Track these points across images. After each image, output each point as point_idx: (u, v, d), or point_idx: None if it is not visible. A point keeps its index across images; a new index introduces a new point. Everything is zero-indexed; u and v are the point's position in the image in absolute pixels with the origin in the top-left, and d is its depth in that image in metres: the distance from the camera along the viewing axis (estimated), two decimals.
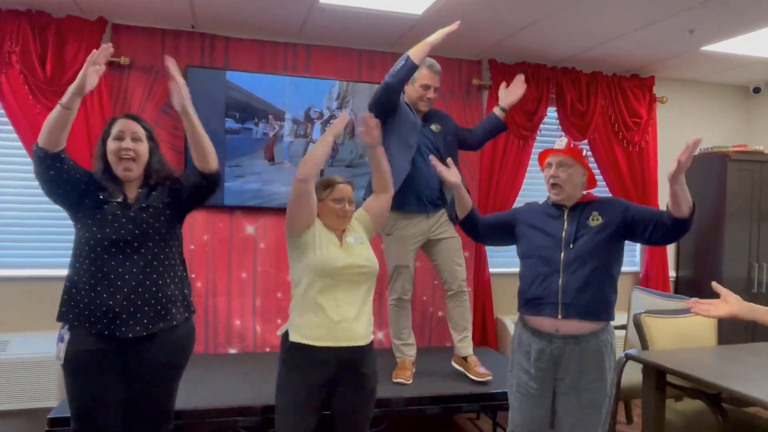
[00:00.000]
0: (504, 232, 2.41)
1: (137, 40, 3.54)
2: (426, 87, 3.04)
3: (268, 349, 3.74)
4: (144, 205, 2.05)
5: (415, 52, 2.86)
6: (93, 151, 2.14)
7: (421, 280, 3.90)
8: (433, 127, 3.13)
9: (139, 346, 2.01)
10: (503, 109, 3.24)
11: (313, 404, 2.18)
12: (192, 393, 2.85)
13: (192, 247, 3.65)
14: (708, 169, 4.39)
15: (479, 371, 3.05)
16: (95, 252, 1.97)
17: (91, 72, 1.90)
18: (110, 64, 3.47)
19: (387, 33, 3.67)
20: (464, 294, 3.17)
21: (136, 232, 2.00)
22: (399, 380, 3.03)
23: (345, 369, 2.19)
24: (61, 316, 2.01)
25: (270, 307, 3.76)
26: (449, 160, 2.41)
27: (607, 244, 2.18)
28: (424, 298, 4.06)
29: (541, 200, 2.40)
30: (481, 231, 2.45)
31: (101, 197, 2.01)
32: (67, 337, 1.98)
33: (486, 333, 4.10)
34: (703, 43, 3.73)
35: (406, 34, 3.67)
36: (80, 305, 1.97)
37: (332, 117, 3.80)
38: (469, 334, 3.18)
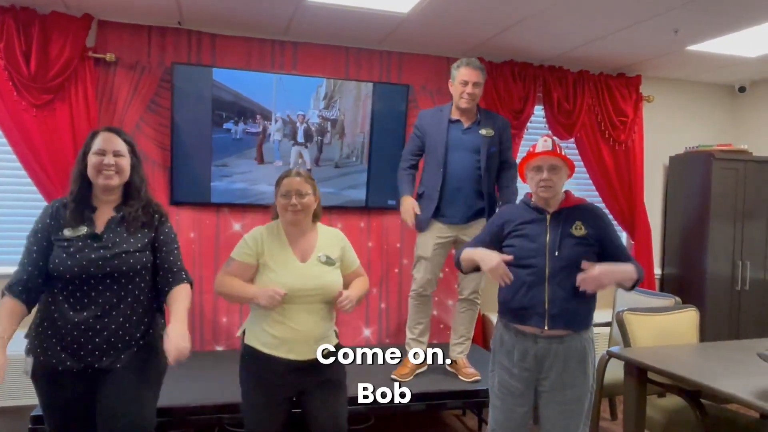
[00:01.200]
0: (494, 244, 2.30)
1: (123, 36, 3.53)
2: (464, 83, 3.06)
3: None
4: (116, 240, 1.94)
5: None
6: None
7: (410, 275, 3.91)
8: (483, 131, 3.11)
9: (105, 375, 1.94)
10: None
11: (277, 403, 2.16)
12: (178, 390, 2.85)
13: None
14: (693, 167, 4.43)
15: (468, 372, 3.07)
16: (62, 285, 1.90)
17: None
18: (96, 61, 3.46)
19: (373, 31, 3.68)
20: (473, 304, 3.21)
21: (106, 267, 1.90)
22: (395, 377, 3.07)
23: (303, 377, 2.14)
24: (27, 351, 1.94)
25: None
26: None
27: (589, 255, 2.18)
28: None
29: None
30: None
31: (64, 234, 1.92)
32: (31, 355, 1.93)
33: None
34: (688, 42, 3.76)
35: (392, 32, 3.68)
36: (46, 341, 1.91)
37: (322, 119, 3.79)
38: (467, 341, 3.21)
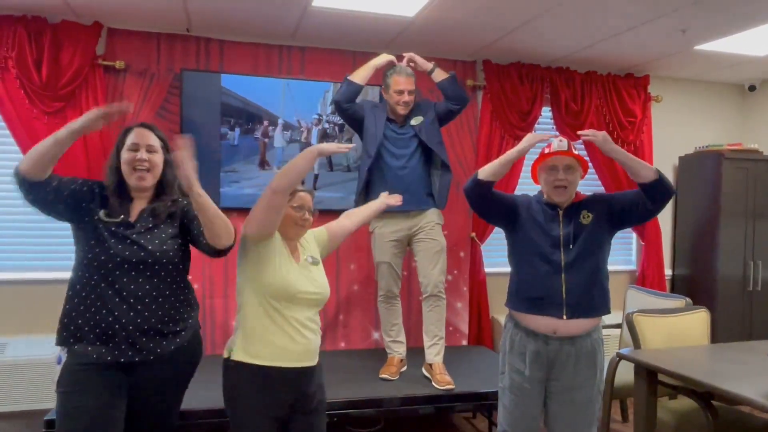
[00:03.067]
0: (508, 209, 2.30)
1: (133, 44, 3.57)
2: (399, 92, 3.08)
3: None
4: (148, 227, 1.96)
5: (356, 74, 3.12)
6: (105, 161, 2.05)
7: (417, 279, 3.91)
8: (413, 121, 3.15)
9: (141, 366, 1.95)
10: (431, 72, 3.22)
11: (268, 420, 2.03)
12: (189, 393, 2.85)
13: None
14: (703, 167, 4.40)
15: (442, 379, 3.02)
16: (98, 273, 1.90)
17: (97, 119, 1.82)
18: (106, 68, 3.50)
19: (380, 35, 3.69)
20: (439, 299, 3.16)
21: (141, 254, 1.91)
22: (384, 376, 3.11)
23: (293, 389, 2.04)
24: (61, 341, 1.93)
25: None
26: None
27: (600, 239, 2.23)
28: (421, 298, 4.06)
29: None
30: (491, 197, 2.29)
31: (101, 215, 1.93)
32: (64, 358, 1.91)
33: (481, 332, 4.12)
34: (696, 42, 3.74)
35: (399, 35, 3.69)
36: (80, 329, 1.90)
37: (328, 123, 3.82)
38: (440, 341, 3.17)
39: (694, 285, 4.45)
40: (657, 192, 2.14)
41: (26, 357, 3.24)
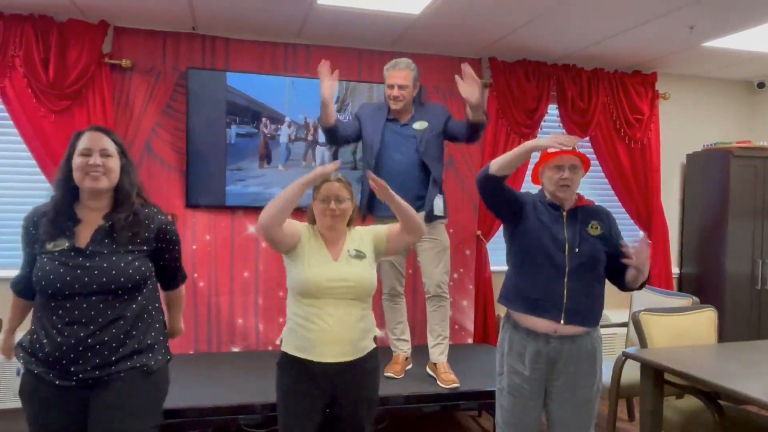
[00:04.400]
0: (516, 205, 2.26)
1: (139, 42, 3.58)
2: (390, 86, 3.06)
3: (270, 348, 3.77)
4: (103, 252, 1.75)
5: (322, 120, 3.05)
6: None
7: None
8: (416, 125, 3.11)
9: (98, 388, 1.76)
10: (471, 108, 3.00)
11: (312, 410, 2.13)
12: (195, 391, 2.89)
13: (194, 247, 3.69)
14: (711, 165, 4.37)
15: (447, 378, 3.02)
16: (49, 302, 1.73)
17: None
18: (112, 67, 3.51)
19: (386, 32, 3.69)
20: (442, 299, 3.14)
21: (93, 285, 1.71)
22: (389, 374, 3.10)
23: (337, 381, 2.11)
24: (24, 362, 1.80)
25: (272, 306, 3.79)
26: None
27: (603, 253, 2.22)
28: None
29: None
30: (503, 190, 2.23)
31: (46, 247, 1.75)
32: (22, 371, 1.80)
33: (487, 331, 4.11)
34: (704, 39, 3.71)
35: (404, 33, 3.68)
36: (40, 350, 1.74)
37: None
38: (444, 341, 3.16)
39: (702, 283, 4.42)
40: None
41: None
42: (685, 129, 4.63)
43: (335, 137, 3.08)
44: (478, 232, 4.12)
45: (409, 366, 3.26)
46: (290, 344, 2.13)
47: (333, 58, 3.87)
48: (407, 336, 3.29)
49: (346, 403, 2.16)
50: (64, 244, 1.75)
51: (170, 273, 2.00)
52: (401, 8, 3.25)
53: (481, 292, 4.13)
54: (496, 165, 2.14)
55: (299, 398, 2.12)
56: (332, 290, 2.08)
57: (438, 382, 3.04)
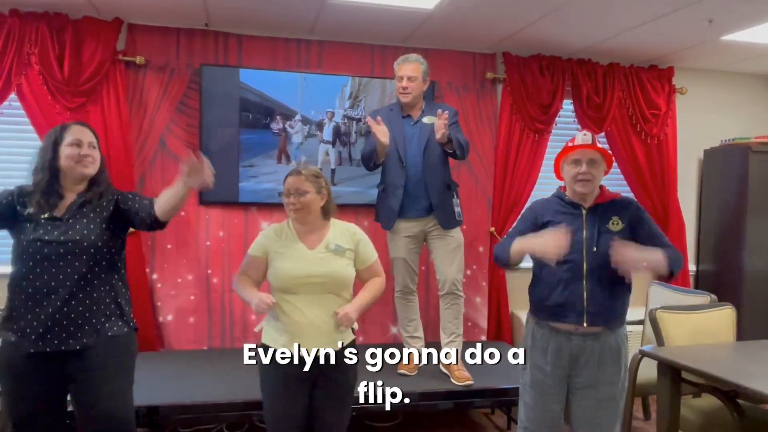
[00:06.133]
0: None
1: (152, 39, 3.59)
2: (399, 79, 3.08)
3: None
4: (75, 216, 2.02)
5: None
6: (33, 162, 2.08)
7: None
8: (426, 119, 3.11)
9: (73, 357, 1.99)
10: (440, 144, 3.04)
11: (293, 393, 2.16)
12: (208, 388, 2.90)
13: (208, 243, 3.70)
14: (729, 160, 4.30)
15: (461, 375, 3.01)
16: (26, 266, 1.96)
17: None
18: (126, 64, 3.52)
19: (399, 28, 3.67)
20: (456, 297, 3.13)
21: (68, 243, 1.97)
22: (402, 371, 3.09)
23: (315, 371, 2.14)
24: (1, 334, 2.01)
25: None
26: None
27: None
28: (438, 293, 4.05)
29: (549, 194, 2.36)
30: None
31: (26, 214, 1.99)
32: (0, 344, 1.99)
33: (501, 328, 4.09)
34: (723, 32, 3.65)
35: (418, 28, 3.66)
36: (16, 320, 1.97)
37: (346, 118, 3.80)
38: (458, 338, 3.16)
39: (719, 281, 4.36)
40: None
41: None
42: (702, 124, 4.56)
43: (376, 166, 3.16)
44: (492, 229, 4.09)
45: (423, 363, 3.24)
46: (268, 335, 2.19)
47: (345, 54, 3.90)
48: (420, 333, 3.28)
49: (322, 393, 2.18)
50: (46, 212, 2.00)
51: (141, 206, 2.10)
52: (415, 3, 3.23)
53: (495, 289, 4.10)
54: (513, 258, 2.18)
55: (278, 382, 2.15)
56: (306, 285, 2.12)
57: (452, 379, 3.03)
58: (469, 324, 4.00)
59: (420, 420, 3.50)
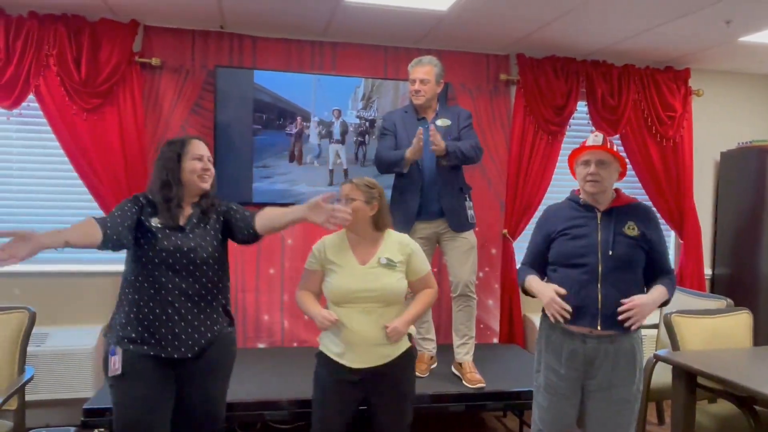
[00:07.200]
0: (548, 250, 2.30)
1: (168, 41, 3.62)
2: (413, 81, 3.09)
3: (295, 344, 3.80)
4: (197, 228, 2.11)
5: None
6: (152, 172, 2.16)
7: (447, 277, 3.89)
8: (439, 122, 3.11)
9: (184, 362, 2.08)
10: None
11: (344, 403, 2.21)
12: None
13: None
14: (746, 163, 4.25)
15: (473, 378, 3.01)
16: (152, 275, 2.02)
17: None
18: (142, 65, 3.56)
19: (412, 29, 3.67)
20: (469, 299, 3.13)
21: (192, 254, 2.05)
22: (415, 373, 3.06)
23: (368, 382, 2.20)
24: (118, 341, 2.04)
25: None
26: None
27: (641, 255, 2.17)
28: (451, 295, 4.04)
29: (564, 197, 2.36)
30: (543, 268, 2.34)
31: (153, 224, 2.05)
32: (119, 350, 2.02)
33: (513, 330, 4.07)
34: (741, 33, 3.60)
35: (431, 30, 3.66)
36: (137, 327, 2.03)
37: (360, 120, 3.81)
38: (470, 341, 3.15)
39: (736, 285, 4.30)
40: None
41: (66, 347, 3.33)
42: (719, 126, 4.51)
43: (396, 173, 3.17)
44: (505, 231, 4.08)
45: (434, 365, 3.24)
46: (325, 344, 2.26)
47: (359, 55, 3.90)
48: (432, 335, 3.28)
49: (378, 403, 2.23)
50: (170, 222, 2.07)
51: (243, 219, 2.17)
52: (430, 4, 3.23)
53: (507, 291, 4.08)
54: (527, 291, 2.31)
55: (332, 392, 2.21)
56: (358, 298, 2.17)
57: (463, 381, 3.02)
58: (481, 326, 3.99)
59: (431, 422, 3.49)
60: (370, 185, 2.26)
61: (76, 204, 3.57)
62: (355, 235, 2.27)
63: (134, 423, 2.00)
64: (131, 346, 2.01)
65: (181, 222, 2.09)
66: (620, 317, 2.10)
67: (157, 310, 2.02)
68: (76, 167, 3.47)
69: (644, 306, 2.10)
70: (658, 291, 2.17)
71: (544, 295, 2.18)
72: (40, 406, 3.25)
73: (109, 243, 1.94)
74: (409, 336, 2.29)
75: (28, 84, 3.35)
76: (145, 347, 2.02)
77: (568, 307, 2.12)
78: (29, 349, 2.57)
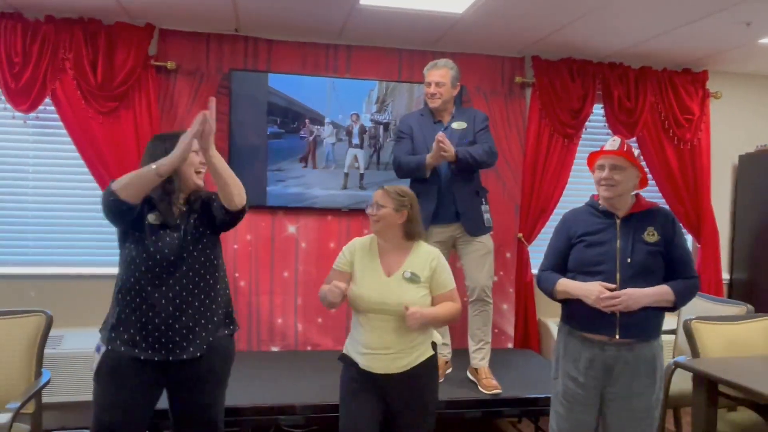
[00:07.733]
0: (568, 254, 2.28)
1: (183, 44, 3.63)
2: (428, 84, 3.08)
3: (309, 348, 3.79)
4: (185, 226, 2.06)
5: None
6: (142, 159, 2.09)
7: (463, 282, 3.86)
8: (455, 124, 3.09)
9: (176, 365, 2.03)
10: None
11: (370, 406, 2.20)
12: (234, 391, 2.88)
13: (235, 246, 3.72)
14: (765, 166, 4.19)
15: (489, 383, 2.98)
16: (139, 273, 1.98)
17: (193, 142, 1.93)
18: (158, 69, 3.57)
19: (428, 32, 3.65)
20: (485, 304, 3.10)
21: (182, 254, 2.01)
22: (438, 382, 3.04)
23: (389, 389, 2.20)
24: (108, 341, 2.02)
25: (311, 306, 3.79)
26: None
27: (660, 262, 2.14)
28: (467, 300, 4.01)
29: (583, 200, 2.33)
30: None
31: (148, 219, 2.01)
32: (103, 349, 2.02)
33: (528, 335, 4.03)
34: (761, 35, 3.55)
35: (446, 33, 3.64)
36: (123, 329, 2.00)
37: (374, 123, 3.80)
38: (486, 346, 3.12)
39: (754, 290, 4.23)
40: None
41: (81, 349, 3.34)
42: (737, 129, 4.45)
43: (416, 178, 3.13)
44: (520, 235, 4.04)
45: (449, 370, 3.22)
46: (349, 347, 2.28)
47: (373, 58, 3.89)
48: (447, 340, 3.25)
49: (399, 410, 2.22)
50: (162, 219, 2.02)
51: (216, 201, 2.08)
52: (445, 7, 3.21)
53: (522, 296, 4.05)
54: (559, 296, 2.24)
55: (357, 396, 2.21)
56: (377, 310, 2.17)
57: (479, 387, 2.99)
58: (496, 331, 3.95)
59: (446, 428, 3.46)
60: (401, 193, 2.24)
61: (92, 207, 3.59)
62: (384, 242, 2.27)
63: (107, 425, 1.99)
64: (123, 348, 1.98)
65: (174, 221, 2.05)
66: (602, 305, 2.06)
67: (150, 313, 1.98)
68: (91, 170, 3.48)
69: (632, 297, 2.05)
70: (659, 288, 2.10)
71: (591, 292, 2.09)
72: (55, 409, 3.27)
73: (133, 207, 1.92)
74: (434, 345, 2.26)
75: (44, 87, 3.38)
76: (136, 350, 1.98)
77: (618, 294, 2.05)
78: (45, 351, 2.58)
